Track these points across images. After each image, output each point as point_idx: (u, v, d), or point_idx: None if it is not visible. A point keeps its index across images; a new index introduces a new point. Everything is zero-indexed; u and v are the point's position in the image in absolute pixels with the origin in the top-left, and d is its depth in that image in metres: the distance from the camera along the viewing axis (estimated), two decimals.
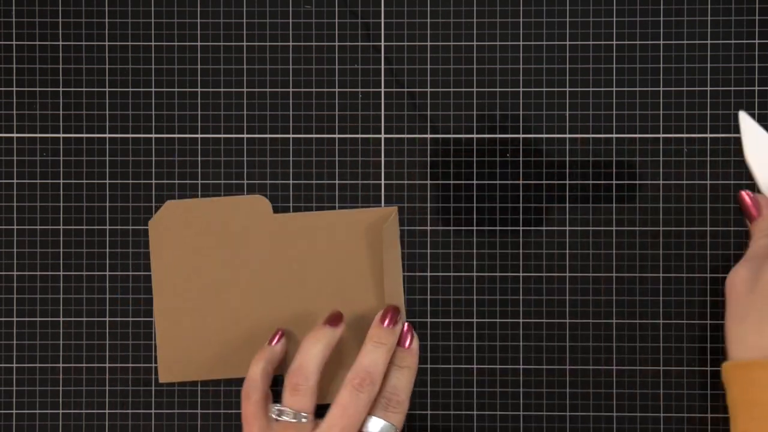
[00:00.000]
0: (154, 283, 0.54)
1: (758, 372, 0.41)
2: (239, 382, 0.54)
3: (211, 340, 0.54)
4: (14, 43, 0.55)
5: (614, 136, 0.54)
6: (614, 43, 0.54)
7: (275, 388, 0.52)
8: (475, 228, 0.54)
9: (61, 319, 0.55)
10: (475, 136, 0.55)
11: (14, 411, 0.55)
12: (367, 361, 0.50)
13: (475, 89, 0.54)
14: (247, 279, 0.54)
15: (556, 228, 0.54)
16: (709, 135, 0.54)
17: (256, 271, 0.54)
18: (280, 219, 0.54)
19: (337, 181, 0.55)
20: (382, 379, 0.50)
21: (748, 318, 0.44)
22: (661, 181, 0.54)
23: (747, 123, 0.50)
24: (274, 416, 0.49)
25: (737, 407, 0.42)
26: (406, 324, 0.52)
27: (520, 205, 0.54)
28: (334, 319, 0.51)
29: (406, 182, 0.55)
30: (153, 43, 0.55)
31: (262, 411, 0.49)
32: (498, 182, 0.54)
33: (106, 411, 0.55)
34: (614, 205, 0.54)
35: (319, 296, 0.54)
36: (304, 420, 0.48)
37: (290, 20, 0.55)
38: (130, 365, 0.55)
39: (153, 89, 0.55)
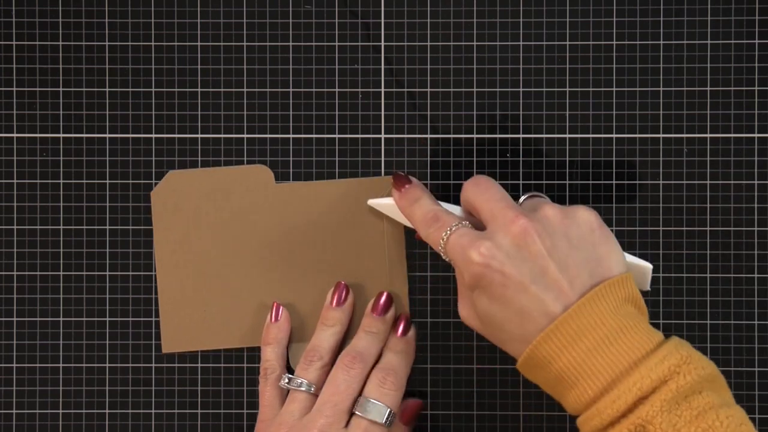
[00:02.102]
0: (156, 254, 0.54)
1: (545, 345, 0.43)
2: (239, 383, 0.54)
3: (213, 310, 0.54)
4: (14, 43, 0.55)
5: (614, 136, 0.54)
6: (614, 43, 0.54)
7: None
8: None
9: (61, 319, 0.55)
10: (475, 136, 0.54)
11: (14, 411, 0.55)
12: (360, 344, 0.51)
13: (475, 89, 0.54)
14: (249, 249, 0.54)
15: None
16: (709, 135, 0.54)
17: (258, 241, 0.54)
18: (283, 188, 0.54)
19: None
20: (374, 360, 0.50)
21: (498, 332, 0.45)
22: (661, 181, 0.54)
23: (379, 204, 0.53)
24: (284, 384, 0.50)
25: (559, 380, 0.43)
26: (402, 315, 0.53)
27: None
28: (340, 299, 0.52)
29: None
30: (153, 43, 0.55)
31: (278, 390, 0.51)
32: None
33: (106, 411, 0.55)
34: (614, 205, 0.54)
35: (321, 266, 0.54)
36: (311, 390, 0.50)
37: (290, 20, 0.55)
38: (130, 365, 0.55)
39: (153, 89, 0.55)
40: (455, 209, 0.49)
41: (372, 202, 0.53)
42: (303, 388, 0.50)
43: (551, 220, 0.45)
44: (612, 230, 0.55)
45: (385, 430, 0.48)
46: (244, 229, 0.54)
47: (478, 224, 0.47)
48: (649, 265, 0.48)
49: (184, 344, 0.54)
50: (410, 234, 0.54)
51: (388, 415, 0.48)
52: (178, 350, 0.54)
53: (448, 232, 0.46)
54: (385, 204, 0.52)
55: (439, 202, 0.49)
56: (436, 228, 0.47)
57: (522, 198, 0.50)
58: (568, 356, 0.42)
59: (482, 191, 0.47)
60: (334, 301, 0.52)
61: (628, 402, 0.41)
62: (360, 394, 0.49)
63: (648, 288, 0.49)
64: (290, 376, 0.51)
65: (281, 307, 0.53)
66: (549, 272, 0.43)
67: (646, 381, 0.41)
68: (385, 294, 0.52)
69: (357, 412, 0.48)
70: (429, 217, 0.48)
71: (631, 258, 0.48)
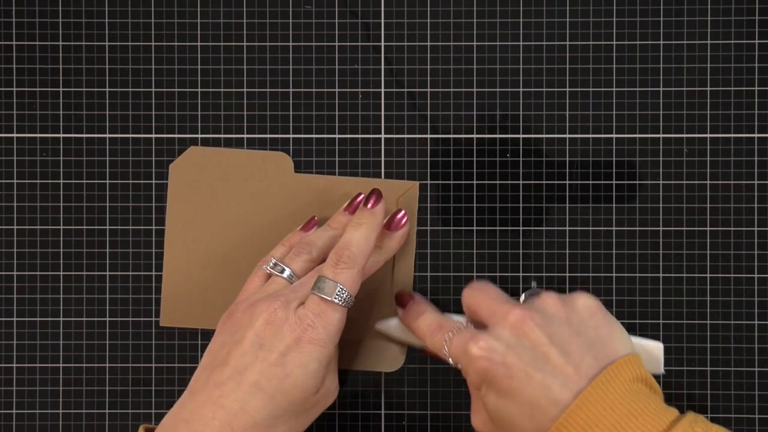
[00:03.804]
0: (167, 228, 0.54)
1: None
2: None
3: (215, 290, 0.54)
4: (14, 43, 0.55)
5: (614, 136, 0.54)
6: (614, 43, 0.54)
7: None
8: (475, 228, 0.54)
9: (61, 319, 0.55)
10: (475, 136, 0.55)
11: (14, 411, 0.55)
12: (346, 237, 0.49)
13: (475, 89, 0.55)
14: (259, 234, 0.54)
15: (556, 228, 0.54)
16: (709, 135, 0.54)
17: (269, 227, 0.54)
18: (301, 179, 0.54)
19: None
20: (365, 256, 0.49)
21: (512, 428, 0.45)
22: (661, 181, 0.54)
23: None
24: (268, 267, 0.50)
25: None
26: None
27: (520, 205, 0.54)
28: (354, 208, 0.51)
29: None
30: (153, 43, 0.55)
31: (265, 278, 0.51)
32: (498, 182, 0.54)
33: (106, 411, 0.55)
34: (614, 205, 0.54)
35: None
36: (293, 280, 0.49)
37: (290, 20, 0.55)
38: (130, 365, 0.55)
39: (153, 89, 0.55)
40: (461, 318, 0.50)
41: (379, 325, 0.53)
42: (284, 275, 0.49)
43: (549, 308, 0.45)
44: (612, 230, 0.55)
45: (341, 309, 0.47)
46: (257, 214, 0.54)
47: (480, 327, 0.47)
48: (659, 345, 0.48)
49: (182, 320, 0.54)
50: (420, 237, 0.54)
51: (340, 292, 0.47)
52: (175, 325, 0.54)
53: (451, 335, 0.47)
54: (392, 325, 0.53)
55: (445, 314, 0.50)
56: (440, 334, 0.48)
57: (522, 296, 0.51)
58: None
59: (479, 293, 0.48)
60: (350, 208, 0.52)
61: None
62: None
63: (662, 371, 0.48)
64: (276, 261, 0.50)
65: (316, 224, 0.52)
66: (551, 358, 0.43)
67: None
68: (368, 193, 0.51)
69: (311, 290, 0.48)
70: (433, 326, 0.49)
71: (639, 340, 0.48)
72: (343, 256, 0.48)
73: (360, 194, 0.52)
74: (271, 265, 0.50)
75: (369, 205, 0.50)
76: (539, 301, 0.46)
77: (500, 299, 0.46)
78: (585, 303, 0.46)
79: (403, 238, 0.52)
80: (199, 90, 0.55)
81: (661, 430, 0.41)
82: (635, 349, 0.45)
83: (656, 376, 0.45)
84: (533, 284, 0.53)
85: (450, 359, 0.47)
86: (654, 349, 0.47)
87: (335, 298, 0.47)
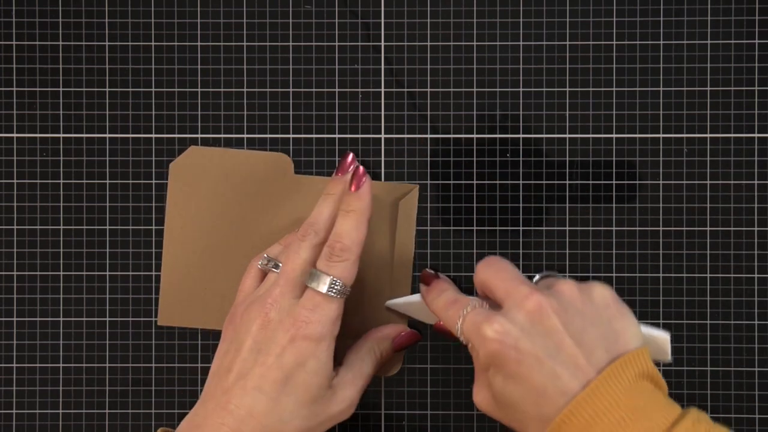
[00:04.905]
0: (166, 227, 0.54)
1: (569, 426, 0.42)
2: None
3: (214, 290, 0.54)
4: (14, 43, 0.55)
5: (614, 136, 0.54)
6: (614, 43, 0.54)
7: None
8: (475, 228, 0.54)
9: (61, 319, 0.55)
10: (475, 136, 0.55)
11: (14, 411, 0.55)
12: (314, 212, 0.50)
13: (475, 89, 0.55)
14: (258, 234, 0.54)
15: (556, 228, 0.54)
16: (709, 135, 0.54)
17: (268, 228, 0.54)
18: (301, 180, 0.54)
19: None
20: (329, 227, 0.49)
21: (514, 412, 0.45)
22: (661, 181, 0.54)
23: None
24: (262, 264, 0.50)
25: None
26: (360, 168, 0.50)
27: (520, 205, 0.54)
28: (342, 167, 0.51)
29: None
30: (153, 43, 0.55)
31: (260, 277, 0.51)
32: (498, 182, 0.54)
33: (106, 411, 0.55)
34: (614, 205, 0.54)
35: None
36: (273, 270, 0.49)
37: (290, 20, 0.55)
38: (130, 365, 0.55)
39: (153, 89, 0.55)
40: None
41: (390, 303, 0.53)
42: (277, 270, 0.49)
43: (566, 296, 0.45)
44: (612, 230, 0.55)
45: (336, 300, 0.47)
46: (256, 214, 0.54)
47: (494, 306, 0.47)
48: (666, 336, 0.47)
49: (180, 320, 0.54)
50: (420, 237, 0.54)
51: (334, 285, 0.47)
52: (173, 324, 0.54)
53: (465, 312, 0.46)
54: (404, 302, 0.53)
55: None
56: (454, 309, 0.47)
57: (537, 277, 0.50)
58: None
59: (495, 271, 0.47)
60: (341, 170, 0.51)
61: None
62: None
63: (669, 359, 0.48)
64: (269, 258, 0.50)
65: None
66: (565, 347, 0.43)
67: None
68: (350, 155, 0.51)
69: (306, 284, 0.48)
70: (449, 301, 0.48)
71: (647, 329, 0.48)
72: (336, 249, 0.48)
73: (349, 154, 0.51)
74: (265, 262, 0.50)
75: (353, 188, 0.49)
76: (557, 287, 0.45)
77: (517, 280, 0.46)
78: (601, 293, 0.45)
79: (369, 193, 0.50)
80: (199, 90, 0.55)
81: (664, 428, 0.41)
82: (644, 341, 0.45)
83: (663, 364, 0.45)
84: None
85: (462, 337, 0.47)
86: (661, 339, 0.47)
87: (330, 291, 0.47)
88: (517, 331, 0.43)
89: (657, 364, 0.52)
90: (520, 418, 0.44)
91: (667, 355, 0.48)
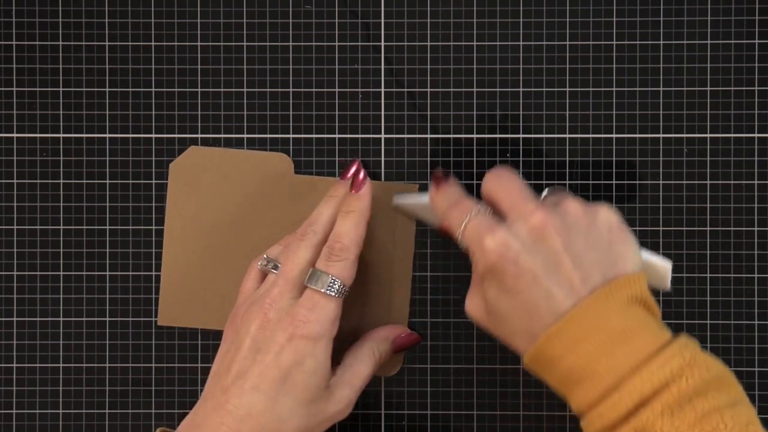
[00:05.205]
0: (166, 227, 0.54)
1: (550, 345, 0.43)
2: None
3: (214, 290, 0.54)
4: (14, 43, 0.55)
5: (614, 136, 0.54)
6: (614, 43, 0.54)
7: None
8: None
9: (61, 319, 0.55)
10: (475, 136, 0.55)
11: (14, 411, 0.55)
12: (314, 213, 0.50)
13: (475, 89, 0.55)
14: (259, 234, 0.54)
15: None
16: (709, 135, 0.54)
17: (269, 228, 0.54)
18: (301, 180, 0.54)
19: None
20: (328, 228, 0.49)
21: (503, 324, 0.45)
22: (661, 181, 0.54)
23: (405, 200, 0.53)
24: (262, 265, 0.50)
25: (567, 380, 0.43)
26: (362, 172, 0.51)
27: None
28: (346, 173, 0.51)
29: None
30: (153, 43, 0.55)
31: (261, 278, 0.51)
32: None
33: (106, 411, 0.55)
34: (614, 205, 0.54)
35: None
36: (273, 270, 0.49)
37: (290, 20, 0.55)
38: (130, 365, 0.55)
39: (153, 89, 0.55)
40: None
41: (398, 200, 0.53)
42: (277, 271, 0.49)
43: (571, 216, 0.44)
44: None
45: (335, 299, 0.47)
46: (256, 214, 0.54)
47: (499, 216, 0.46)
48: (667, 265, 0.47)
49: (180, 320, 0.54)
50: (420, 237, 0.54)
51: (333, 284, 0.47)
52: (174, 324, 0.55)
53: (468, 218, 0.46)
54: (412, 202, 0.52)
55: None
56: (459, 212, 0.46)
57: (544, 192, 0.49)
58: (573, 357, 0.42)
59: (503, 182, 0.46)
60: (344, 176, 0.51)
61: (629, 406, 0.40)
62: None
63: (668, 287, 0.48)
64: (269, 258, 0.50)
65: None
66: (563, 267, 0.43)
67: (647, 385, 0.40)
68: (356, 163, 0.51)
69: (305, 284, 0.48)
70: (454, 203, 0.47)
71: (650, 256, 0.47)
72: (335, 248, 0.48)
73: (356, 161, 0.52)
74: (265, 263, 0.50)
75: (354, 190, 0.50)
76: (563, 206, 0.45)
77: (524, 194, 0.45)
78: (606, 216, 0.45)
79: (369, 194, 0.51)
80: (199, 90, 0.55)
81: (651, 351, 0.41)
82: (643, 268, 0.45)
83: (660, 294, 0.45)
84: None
85: (462, 243, 0.46)
86: (662, 267, 0.47)
87: (328, 290, 0.47)
88: (519, 246, 0.43)
89: (657, 293, 0.52)
90: (509, 330, 0.45)
91: (667, 284, 0.48)
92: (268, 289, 0.48)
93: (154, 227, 0.55)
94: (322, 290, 0.47)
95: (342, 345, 0.52)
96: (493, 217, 0.46)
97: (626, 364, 0.41)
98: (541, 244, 0.43)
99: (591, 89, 0.54)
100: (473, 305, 0.47)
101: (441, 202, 0.49)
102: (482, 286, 0.46)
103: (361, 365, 0.50)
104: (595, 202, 0.46)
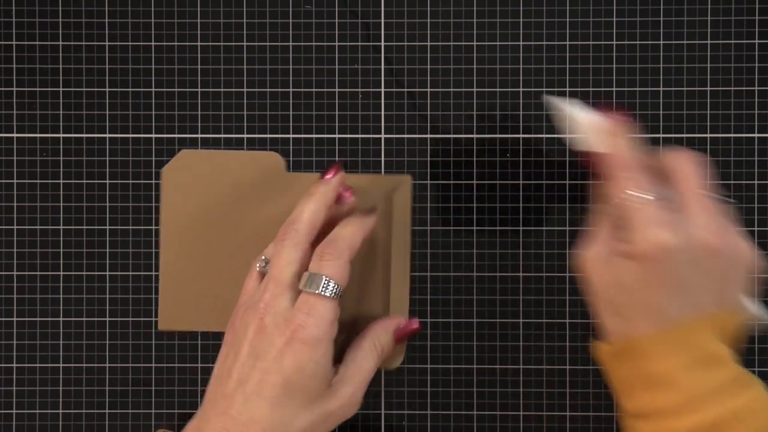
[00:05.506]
0: (162, 232, 0.54)
1: (655, 344, 0.44)
2: None
3: (213, 292, 0.54)
4: (14, 43, 0.55)
5: None
6: (614, 43, 0.54)
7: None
8: (475, 228, 0.54)
9: (61, 319, 0.55)
10: (475, 136, 0.55)
11: (14, 411, 0.55)
12: (294, 212, 0.49)
13: (475, 89, 0.55)
14: (255, 234, 0.54)
15: (556, 228, 0.54)
16: (709, 135, 0.54)
17: (264, 227, 0.54)
18: (294, 177, 0.54)
19: None
20: (309, 225, 0.49)
21: (612, 300, 0.45)
22: None
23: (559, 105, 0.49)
24: (260, 266, 0.50)
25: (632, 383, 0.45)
26: (340, 173, 0.51)
27: (520, 205, 0.54)
28: (329, 172, 0.51)
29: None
30: (153, 43, 0.55)
31: (260, 280, 0.51)
32: (498, 182, 0.54)
33: (106, 411, 0.55)
34: None
35: None
36: (265, 267, 0.49)
37: (290, 20, 0.55)
38: (130, 365, 0.55)
39: (153, 89, 0.55)
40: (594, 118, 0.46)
41: (558, 101, 0.48)
42: (258, 268, 0.50)
43: (737, 253, 0.45)
44: None
45: (330, 300, 0.47)
46: (251, 214, 0.54)
47: (662, 191, 0.45)
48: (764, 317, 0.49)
49: (181, 323, 0.54)
50: (420, 237, 0.54)
51: (327, 285, 0.47)
52: (174, 329, 0.54)
53: (642, 196, 0.44)
54: (576, 113, 0.47)
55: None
56: (632, 181, 0.44)
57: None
58: (663, 362, 0.43)
59: (695, 172, 0.45)
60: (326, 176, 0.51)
61: (705, 424, 0.42)
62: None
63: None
64: (266, 259, 0.50)
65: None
66: (702, 288, 0.44)
67: (721, 409, 0.42)
68: (337, 168, 0.51)
69: (300, 287, 0.48)
70: (628, 161, 0.45)
71: (752, 305, 0.48)
72: (326, 250, 0.48)
73: (338, 166, 0.51)
74: (263, 264, 0.50)
75: (344, 199, 0.51)
76: (735, 240, 0.45)
77: (710, 201, 0.45)
78: (747, 257, 0.45)
79: (339, 184, 0.51)
80: (199, 90, 0.55)
81: (733, 381, 0.43)
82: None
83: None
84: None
85: (614, 208, 0.45)
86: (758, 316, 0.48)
87: (324, 291, 0.47)
88: (687, 257, 0.43)
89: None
90: (612, 309, 0.45)
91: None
92: (261, 293, 0.48)
93: (154, 227, 0.55)
94: (317, 292, 0.47)
95: (342, 341, 0.52)
96: (671, 213, 0.44)
97: (710, 385, 0.43)
98: (704, 262, 0.44)
99: (591, 89, 0.54)
100: (595, 260, 0.46)
101: (616, 147, 0.46)
102: (619, 255, 0.45)
103: (363, 360, 0.50)
104: (747, 239, 0.45)
